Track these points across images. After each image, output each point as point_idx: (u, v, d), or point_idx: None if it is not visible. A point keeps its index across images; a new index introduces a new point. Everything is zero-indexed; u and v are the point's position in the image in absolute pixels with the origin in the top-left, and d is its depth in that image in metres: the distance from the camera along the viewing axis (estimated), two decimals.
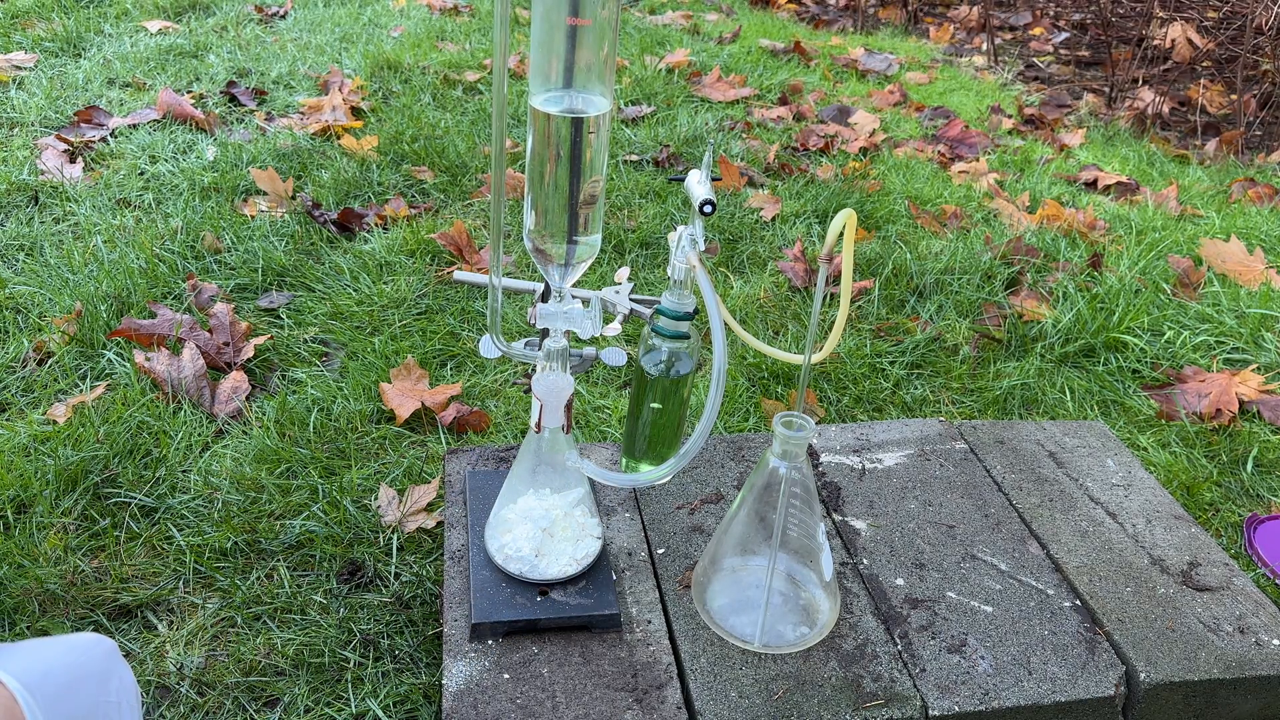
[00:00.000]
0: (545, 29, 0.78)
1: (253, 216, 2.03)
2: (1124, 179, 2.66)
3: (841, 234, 0.82)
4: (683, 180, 1.02)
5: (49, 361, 1.54)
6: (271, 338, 1.65)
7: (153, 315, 1.64)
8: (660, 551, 1.07)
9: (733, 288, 1.92)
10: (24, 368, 1.53)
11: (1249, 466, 1.52)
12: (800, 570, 0.97)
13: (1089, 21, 4.37)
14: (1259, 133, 3.26)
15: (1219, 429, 1.61)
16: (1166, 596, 1.06)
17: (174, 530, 1.24)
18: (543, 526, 0.98)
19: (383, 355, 1.61)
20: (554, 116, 0.81)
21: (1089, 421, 1.39)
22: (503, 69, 0.78)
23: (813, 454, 1.25)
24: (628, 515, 1.12)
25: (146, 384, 1.49)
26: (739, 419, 1.53)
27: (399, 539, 1.24)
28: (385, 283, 1.82)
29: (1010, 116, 3.19)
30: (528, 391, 1.55)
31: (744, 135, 2.75)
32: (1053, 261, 2.09)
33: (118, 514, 1.26)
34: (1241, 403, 1.65)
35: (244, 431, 1.43)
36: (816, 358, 0.98)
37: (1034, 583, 1.06)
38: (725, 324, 0.87)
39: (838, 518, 1.14)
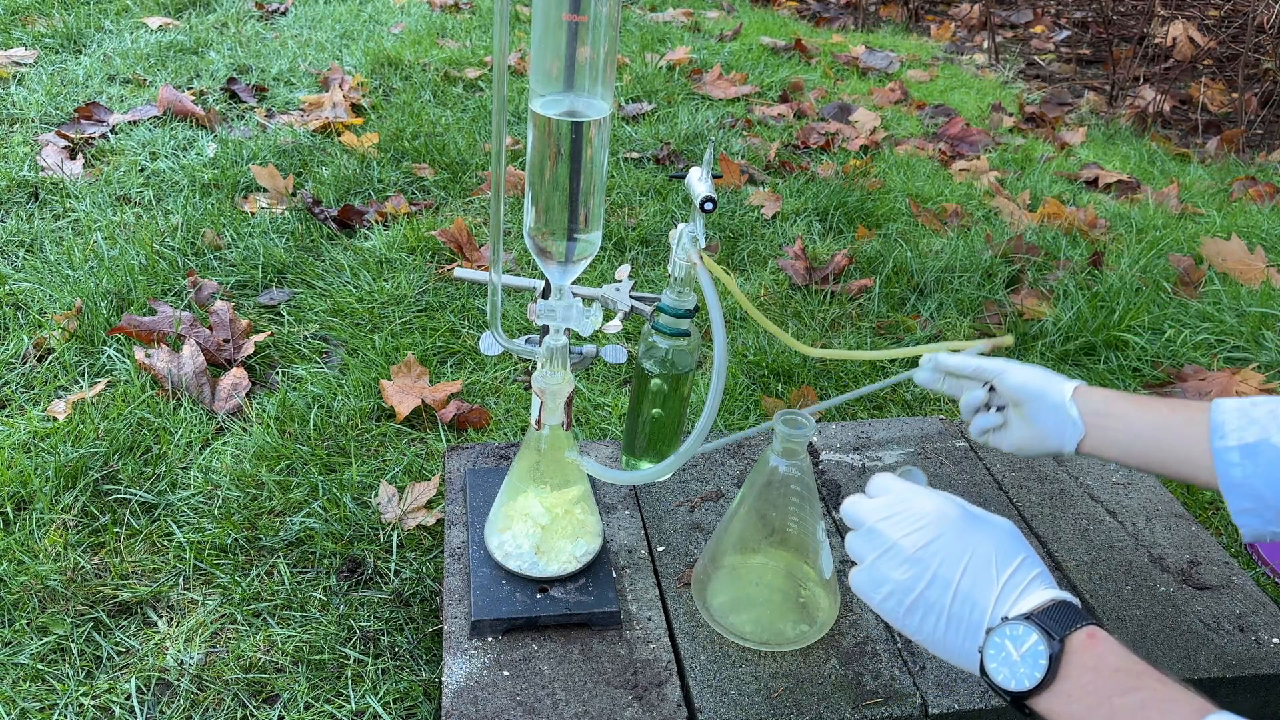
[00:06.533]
0: (545, 26, 0.78)
1: (253, 213, 2.03)
2: (1125, 177, 2.66)
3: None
4: (683, 178, 1.02)
5: (49, 358, 1.54)
6: (272, 334, 1.65)
7: (153, 312, 1.64)
8: (660, 549, 1.07)
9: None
10: (24, 364, 1.53)
11: None
12: (800, 568, 0.97)
13: (1090, 19, 4.37)
14: (1260, 131, 3.26)
15: None
16: (1166, 595, 1.06)
17: (174, 527, 1.24)
18: (543, 524, 0.98)
19: (383, 352, 1.61)
20: (554, 120, 0.81)
21: None
22: (503, 66, 0.78)
23: (813, 452, 1.25)
24: (628, 513, 1.12)
25: (146, 381, 1.49)
26: (739, 417, 1.53)
27: (399, 536, 1.24)
28: (385, 280, 1.82)
29: (1011, 114, 3.18)
30: (528, 388, 1.55)
31: (745, 133, 2.75)
32: (1053, 260, 2.09)
33: (118, 511, 1.26)
34: None
35: (244, 428, 1.43)
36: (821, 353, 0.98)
37: None
38: (745, 311, 0.89)
39: (838, 516, 1.14)
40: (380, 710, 1.02)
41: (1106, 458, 0.92)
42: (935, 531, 0.73)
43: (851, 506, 0.80)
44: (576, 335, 0.96)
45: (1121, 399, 0.92)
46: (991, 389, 1.00)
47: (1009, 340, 1.07)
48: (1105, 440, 0.91)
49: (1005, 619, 0.68)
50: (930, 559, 0.72)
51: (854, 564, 0.77)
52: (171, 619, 1.12)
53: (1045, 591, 0.69)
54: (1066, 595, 0.68)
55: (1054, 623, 0.66)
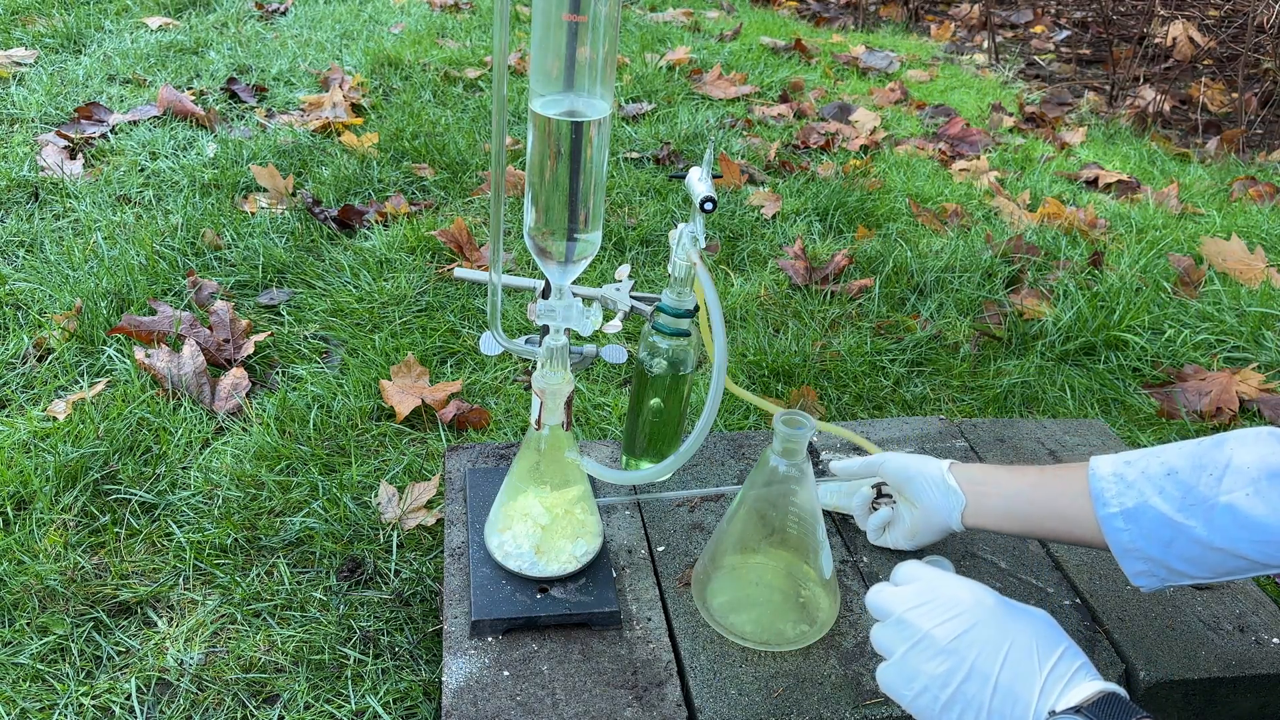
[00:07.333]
0: (545, 26, 0.78)
1: (253, 213, 2.03)
2: (1125, 177, 2.66)
3: None
4: (683, 178, 1.02)
5: (49, 358, 1.54)
6: (272, 334, 1.65)
7: (153, 312, 1.64)
8: (660, 549, 1.07)
9: (733, 285, 1.92)
10: (24, 364, 1.53)
11: None
12: (800, 568, 0.97)
13: (1090, 19, 4.37)
14: (1260, 131, 3.26)
15: (1220, 428, 1.61)
16: (1166, 595, 1.06)
17: (174, 527, 1.24)
18: (543, 524, 0.98)
19: (383, 352, 1.61)
20: (554, 120, 0.81)
21: (1089, 420, 1.39)
22: (503, 66, 0.78)
23: (813, 452, 1.25)
24: (628, 513, 1.12)
25: (146, 381, 1.49)
26: (739, 416, 1.53)
27: (399, 536, 1.24)
28: (385, 280, 1.82)
29: (1011, 114, 3.18)
30: (528, 388, 1.55)
31: (745, 133, 2.75)
32: (1053, 260, 2.09)
33: (118, 510, 1.26)
34: (1242, 401, 1.65)
35: (244, 428, 1.43)
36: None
37: (1034, 580, 1.06)
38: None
39: (838, 516, 1.14)
40: (380, 710, 1.02)
41: (991, 528, 0.95)
42: (970, 620, 0.70)
43: (877, 596, 0.76)
44: (576, 335, 0.96)
45: (993, 468, 0.96)
46: (877, 488, 1.05)
47: (874, 449, 1.16)
48: (985, 508, 0.94)
49: (1052, 713, 0.65)
50: (966, 650, 0.68)
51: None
52: (171, 619, 1.12)
53: (1091, 684, 0.66)
54: (1114, 687, 0.65)
55: (1106, 717, 0.63)
